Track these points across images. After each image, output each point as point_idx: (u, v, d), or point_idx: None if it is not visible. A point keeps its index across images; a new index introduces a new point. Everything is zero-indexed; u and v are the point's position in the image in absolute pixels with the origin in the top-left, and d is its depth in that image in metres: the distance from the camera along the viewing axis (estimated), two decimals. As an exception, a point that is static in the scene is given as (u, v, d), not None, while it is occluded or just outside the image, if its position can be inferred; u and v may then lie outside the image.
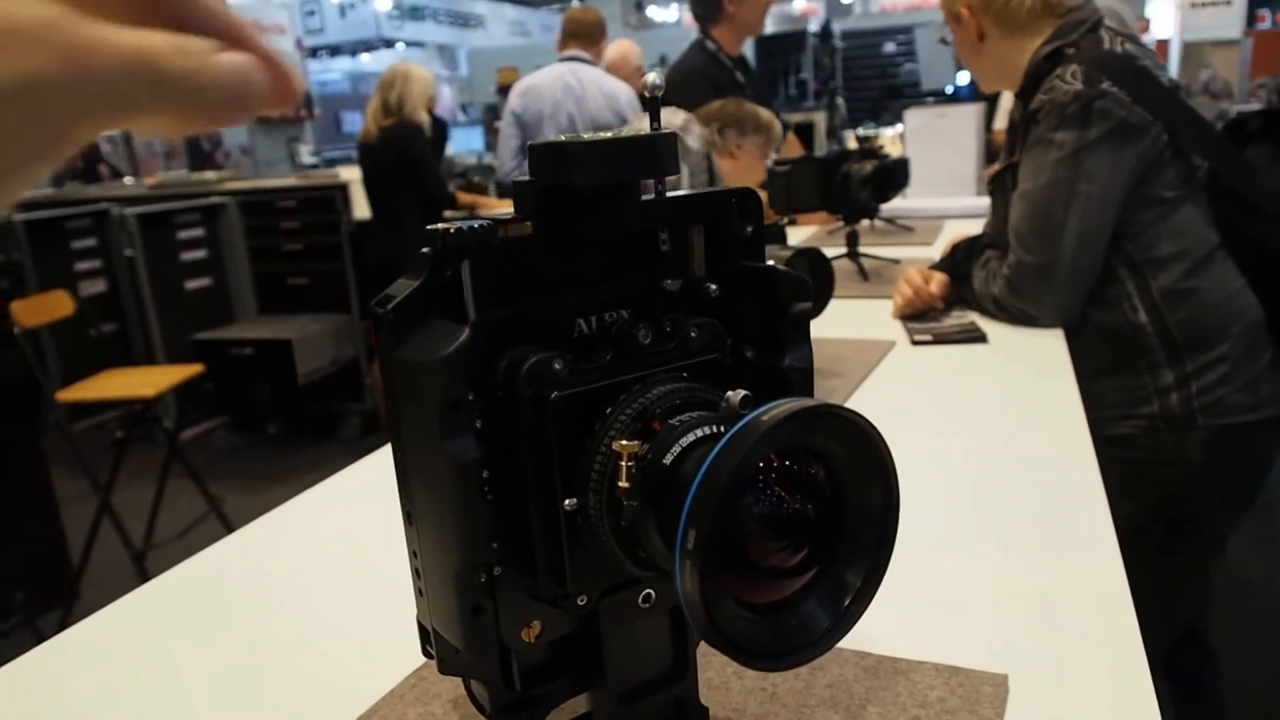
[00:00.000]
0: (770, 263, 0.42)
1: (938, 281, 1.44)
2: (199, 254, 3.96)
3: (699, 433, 0.35)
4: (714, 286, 0.43)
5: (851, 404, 1.07)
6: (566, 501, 0.37)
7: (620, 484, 0.35)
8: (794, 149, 2.84)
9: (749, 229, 0.44)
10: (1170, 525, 1.34)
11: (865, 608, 0.35)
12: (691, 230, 0.43)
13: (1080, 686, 0.53)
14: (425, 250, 0.36)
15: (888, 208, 2.01)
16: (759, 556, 0.33)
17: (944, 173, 2.78)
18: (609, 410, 0.37)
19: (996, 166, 1.49)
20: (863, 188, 1.85)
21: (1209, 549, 1.40)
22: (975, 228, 1.67)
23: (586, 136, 0.37)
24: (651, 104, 0.40)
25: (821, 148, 3.83)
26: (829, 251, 1.80)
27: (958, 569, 0.67)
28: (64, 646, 0.66)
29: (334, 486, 0.93)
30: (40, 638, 2.31)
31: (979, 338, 1.29)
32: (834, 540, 0.34)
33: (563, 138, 0.37)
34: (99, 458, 2.76)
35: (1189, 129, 1.25)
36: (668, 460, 0.35)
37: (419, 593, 0.40)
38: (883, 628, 0.59)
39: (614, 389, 0.38)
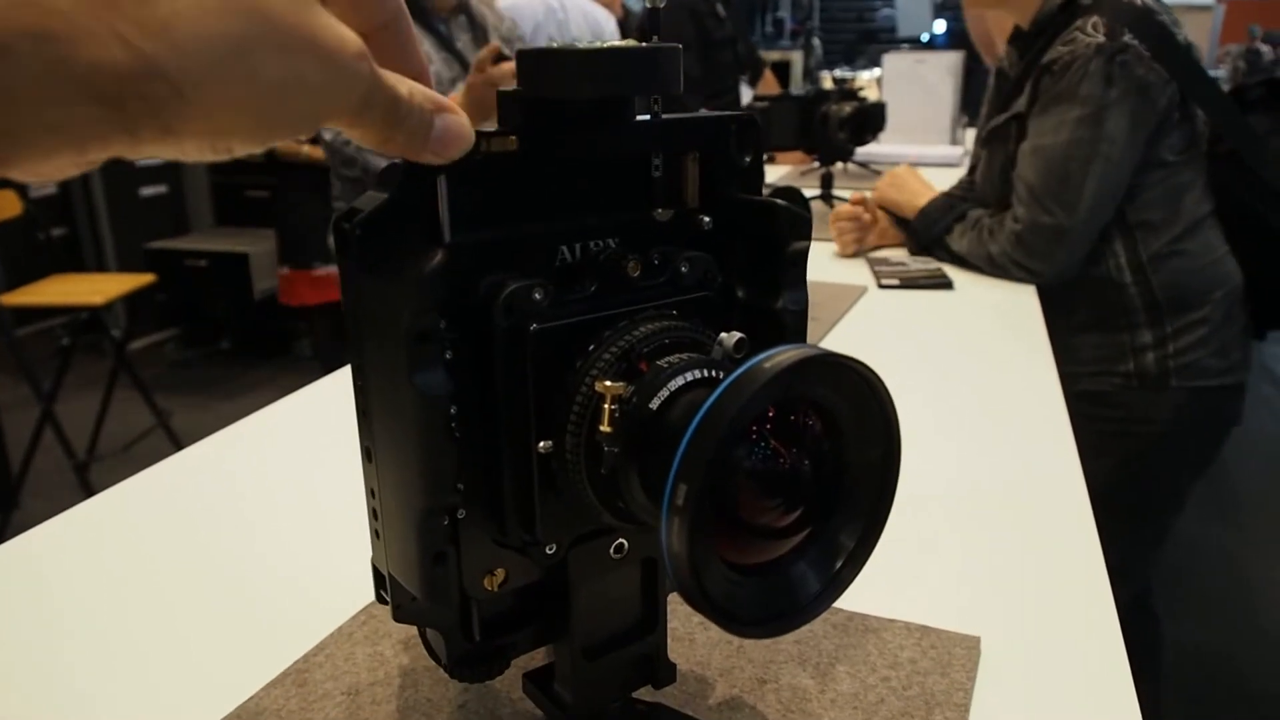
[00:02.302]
0: (782, 202, 0.39)
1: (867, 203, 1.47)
2: (154, 159, 3.81)
3: (689, 376, 0.32)
4: (707, 219, 0.40)
5: (825, 344, 1.05)
6: (541, 444, 0.34)
7: (601, 428, 0.32)
8: (771, 86, 2.79)
9: (747, 159, 0.40)
10: (1136, 486, 1.35)
11: (858, 572, 0.32)
12: (686, 157, 0.39)
13: (1053, 649, 0.52)
14: (397, 161, 0.32)
15: (862, 152, 1.98)
16: (750, 515, 0.31)
17: (919, 119, 2.75)
18: (592, 347, 0.34)
19: (988, 116, 1.45)
20: (840, 129, 1.81)
21: (1171, 510, 1.42)
22: (947, 176, 1.64)
23: (582, 45, 0.33)
24: (651, 15, 0.36)
25: (798, 87, 3.77)
26: (809, 193, 1.78)
27: (929, 526, 0.66)
28: (4, 559, 0.63)
29: (289, 406, 0.89)
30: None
31: (945, 284, 1.28)
32: (830, 499, 0.32)
33: (554, 44, 0.34)
34: (44, 365, 2.67)
35: (1200, 91, 1.22)
36: (654, 405, 0.32)
37: (375, 535, 0.37)
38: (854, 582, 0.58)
39: (598, 323, 0.35)
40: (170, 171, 3.88)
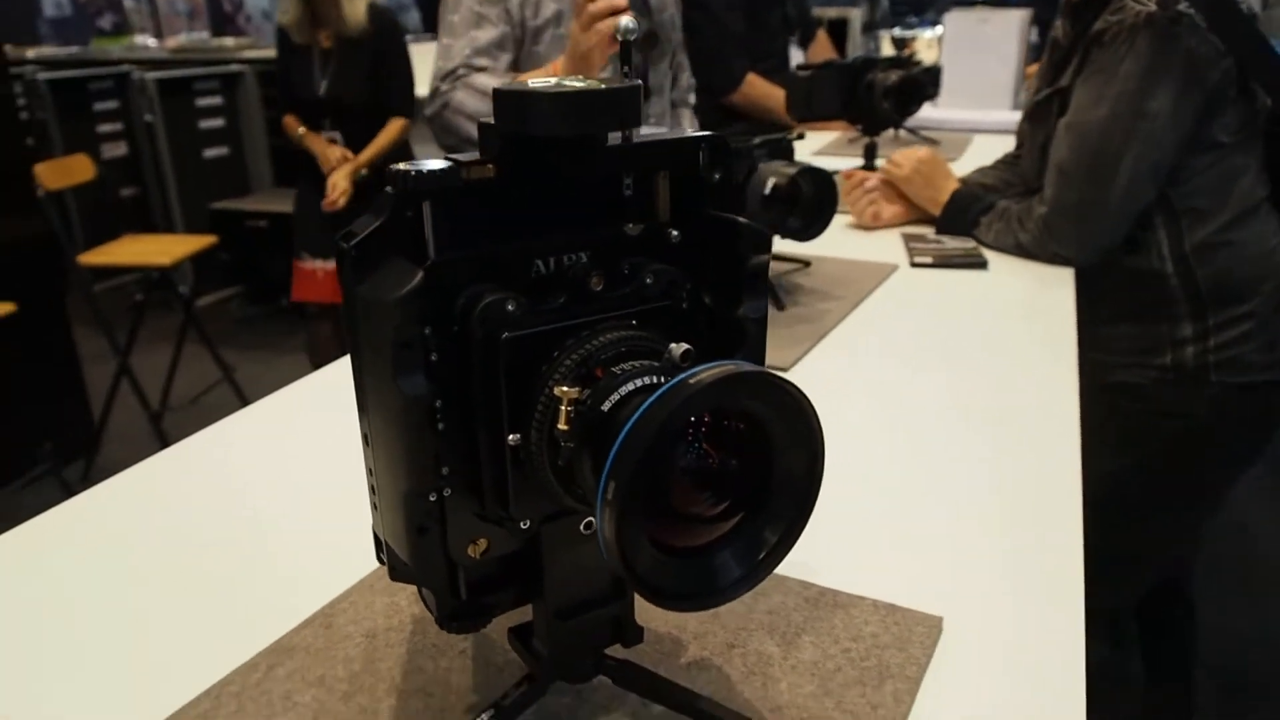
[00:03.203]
0: (743, 220, 0.43)
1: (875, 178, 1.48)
2: (217, 122, 3.94)
3: (638, 382, 0.37)
4: (676, 233, 0.44)
5: (843, 328, 1.08)
6: (511, 436, 0.39)
7: (559, 426, 0.37)
8: (824, 48, 2.76)
9: (717, 176, 0.44)
10: (1167, 479, 1.32)
11: (777, 564, 0.37)
12: (657, 175, 0.43)
13: (1013, 635, 0.56)
14: (388, 190, 0.37)
15: (916, 117, 1.96)
16: (681, 505, 0.35)
17: (980, 83, 2.69)
18: (556, 354, 0.39)
19: (1036, 89, 1.39)
20: (885, 98, 1.80)
21: (1203, 504, 1.39)
22: (1006, 144, 1.62)
23: (552, 84, 0.38)
24: (624, 50, 0.40)
25: (856, 46, 3.71)
26: (846, 162, 1.78)
27: (917, 506, 0.70)
28: (84, 506, 0.72)
29: (320, 380, 0.96)
30: (65, 485, 2.43)
31: (979, 263, 1.29)
32: (756, 497, 0.36)
33: (530, 84, 0.38)
34: (119, 319, 2.82)
35: (1261, 65, 1.14)
36: (605, 407, 0.36)
37: (374, 506, 0.42)
38: (832, 560, 0.62)
39: (563, 332, 0.39)
40: (231, 134, 3.99)
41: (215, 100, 3.93)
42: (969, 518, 0.69)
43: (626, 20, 0.40)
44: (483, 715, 0.45)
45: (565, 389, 0.36)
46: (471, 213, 0.39)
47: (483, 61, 1.45)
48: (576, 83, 0.38)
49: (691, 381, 0.32)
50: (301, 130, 2.60)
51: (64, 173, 2.65)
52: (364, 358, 0.38)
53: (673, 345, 0.38)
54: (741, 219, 0.43)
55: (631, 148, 0.42)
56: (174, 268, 2.73)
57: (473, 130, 1.41)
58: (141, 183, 3.90)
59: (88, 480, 2.37)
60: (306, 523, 0.69)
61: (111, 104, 3.79)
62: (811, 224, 1.14)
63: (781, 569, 0.58)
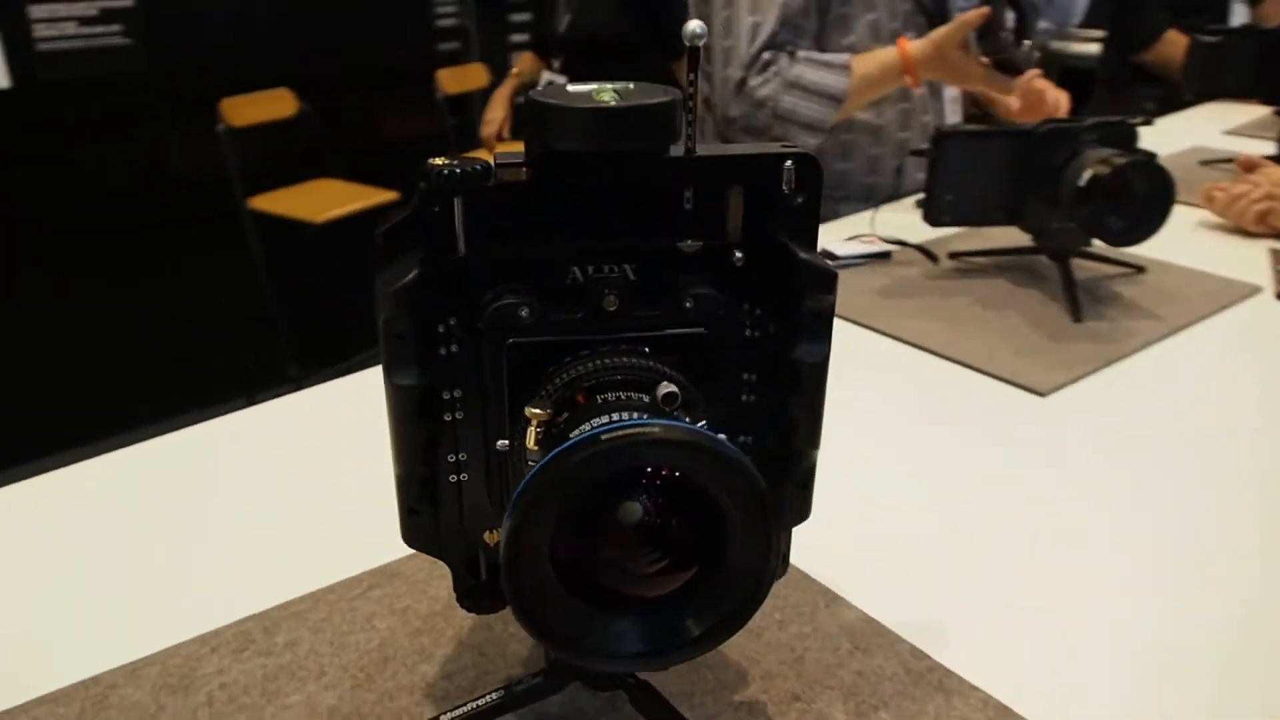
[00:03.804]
0: (803, 255, 0.38)
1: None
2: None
3: (612, 417, 0.34)
4: (740, 255, 0.40)
5: (1146, 356, 0.91)
6: (500, 442, 0.38)
7: (529, 445, 0.36)
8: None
9: (800, 199, 0.39)
10: None
11: (687, 658, 0.33)
12: (728, 191, 0.39)
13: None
14: (421, 185, 0.37)
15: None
16: (612, 552, 0.33)
17: None
18: (551, 369, 0.37)
19: None
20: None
21: None
22: None
23: (584, 93, 0.35)
24: (691, 56, 0.37)
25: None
26: (1250, 146, 1.47)
27: (1095, 615, 0.59)
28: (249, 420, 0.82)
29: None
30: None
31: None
32: (704, 574, 0.33)
33: (564, 91, 0.36)
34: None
35: None
36: (573, 435, 0.35)
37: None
38: (969, 632, 0.55)
39: (570, 346, 0.38)
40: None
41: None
42: (1164, 627, 0.56)
43: (695, 25, 0.36)
44: (492, 694, 0.46)
45: (536, 410, 0.35)
46: (506, 212, 0.38)
47: (789, 38, 1.31)
48: (608, 94, 0.35)
49: (603, 439, 0.30)
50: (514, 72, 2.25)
51: (462, 79, 2.98)
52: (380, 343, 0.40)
53: (660, 385, 0.35)
54: (803, 253, 0.38)
55: (691, 160, 0.38)
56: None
57: (808, 139, 1.32)
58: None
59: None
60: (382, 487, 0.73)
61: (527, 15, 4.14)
62: (1136, 226, 0.96)
63: (904, 627, 0.54)
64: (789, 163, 0.39)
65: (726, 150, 0.39)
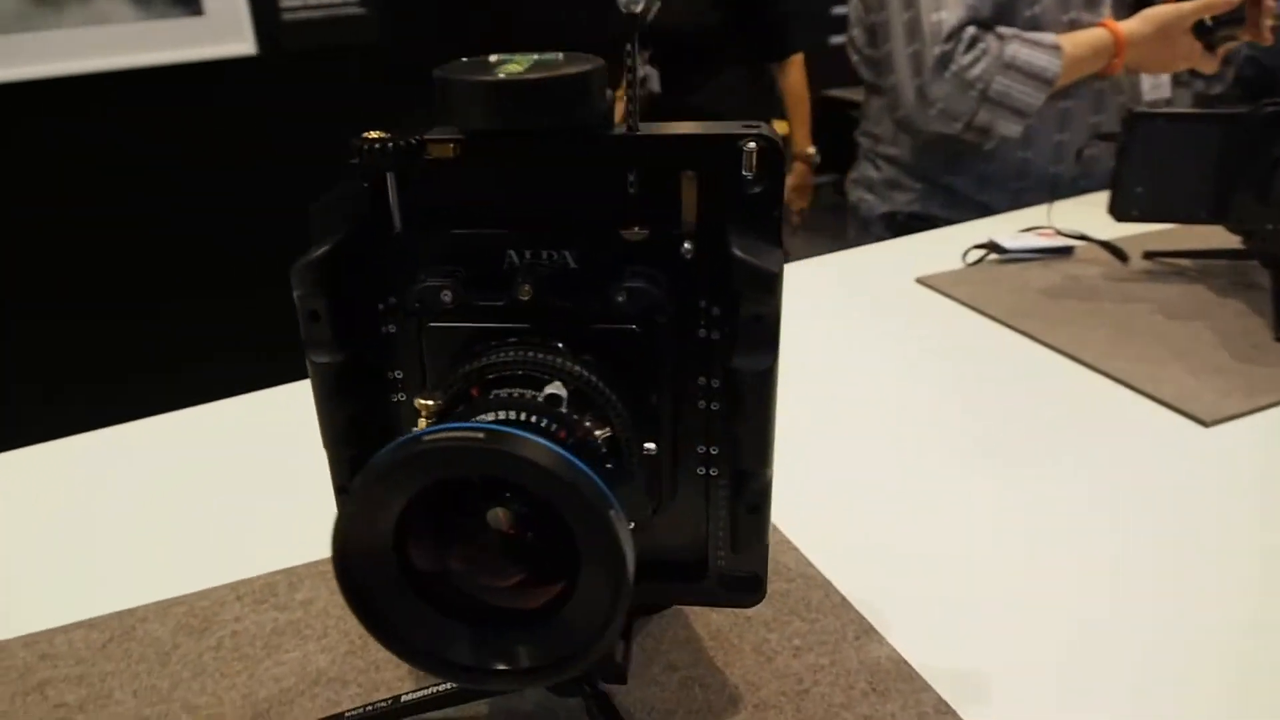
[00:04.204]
0: (739, 253, 0.33)
1: None
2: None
3: (501, 414, 0.32)
4: (689, 246, 0.36)
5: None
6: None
7: (421, 436, 0.34)
8: None
9: (759, 187, 0.35)
10: None
11: (514, 688, 0.30)
12: (681, 175, 0.35)
13: None
14: (352, 159, 0.36)
15: None
16: (461, 560, 0.31)
17: None
18: (464, 358, 0.35)
19: None
20: None
21: None
22: None
23: (484, 65, 0.32)
24: (629, 23, 0.33)
25: None
26: None
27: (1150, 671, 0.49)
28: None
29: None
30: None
31: None
32: (561, 598, 0.30)
33: (448, 75, 0.33)
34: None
35: None
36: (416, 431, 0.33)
37: None
38: (1012, 694, 0.48)
39: (484, 334, 0.35)
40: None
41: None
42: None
43: (627, -16, 0.32)
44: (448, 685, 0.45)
45: (425, 400, 0.33)
46: (441, 190, 0.36)
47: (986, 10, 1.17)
48: (516, 66, 0.32)
49: (426, 440, 0.27)
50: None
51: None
52: None
53: (550, 385, 0.32)
54: (738, 251, 0.33)
55: (633, 140, 0.34)
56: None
57: (1012, 128, 1.20)
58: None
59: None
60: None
61: None
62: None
63: (938, 675, 0.47)
64: (750, 144, 0.34)
65: (676, 130, 0.35)
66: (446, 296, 0.36)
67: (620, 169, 0.35)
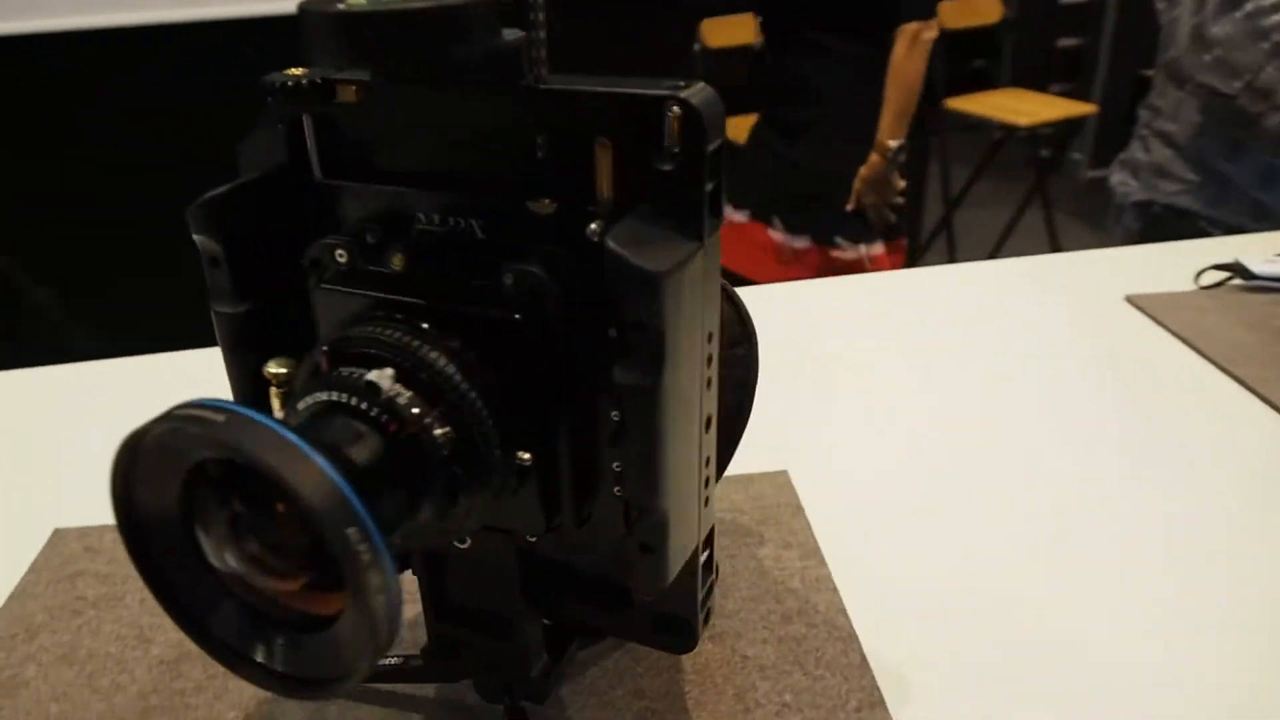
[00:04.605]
0: (611, 244, 0.27)
1: None
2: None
3: (331, 396, 0.29)
4: (595, 226, 0.30)
5: None
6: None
7: (274, 405, 0.31)
8: None
9: (670, 164, 0.28)
10: None
11: (270, 687, 0.26)
12: (594, 143, 0.29)
13: None
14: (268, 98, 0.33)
15: None
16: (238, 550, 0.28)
17: None
18: (344, 325, 0.32)
19: None
20: None
21: None
22: None
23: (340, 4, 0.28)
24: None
25: None
26: None
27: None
28: None
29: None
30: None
31: None
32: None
33: (306, 7, 0.28)
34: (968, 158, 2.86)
35: None
36: (299, 406, 0.29)
37: None
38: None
39: (364, 303, 0.32)
40: None
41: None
42: None
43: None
44: (394, 658, 0.43)
45: (274, 370, 0.30)
46: (355, 140, 0.33)
47: None
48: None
49: (175, 414, 0.24)
50: None
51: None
52: None
53: (375, 371, 0.28)
54: (612, 242, 0.27)
55: (538, 95, 0.29)
56: (1031, 129, 2.64)
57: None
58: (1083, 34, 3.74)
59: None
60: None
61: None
62: None
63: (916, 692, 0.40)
64: (674, 108, 0.28)
65: (590, 86, 0.29)
66: (341, 257, 0.32)
67: (528, 130, 0.30)
